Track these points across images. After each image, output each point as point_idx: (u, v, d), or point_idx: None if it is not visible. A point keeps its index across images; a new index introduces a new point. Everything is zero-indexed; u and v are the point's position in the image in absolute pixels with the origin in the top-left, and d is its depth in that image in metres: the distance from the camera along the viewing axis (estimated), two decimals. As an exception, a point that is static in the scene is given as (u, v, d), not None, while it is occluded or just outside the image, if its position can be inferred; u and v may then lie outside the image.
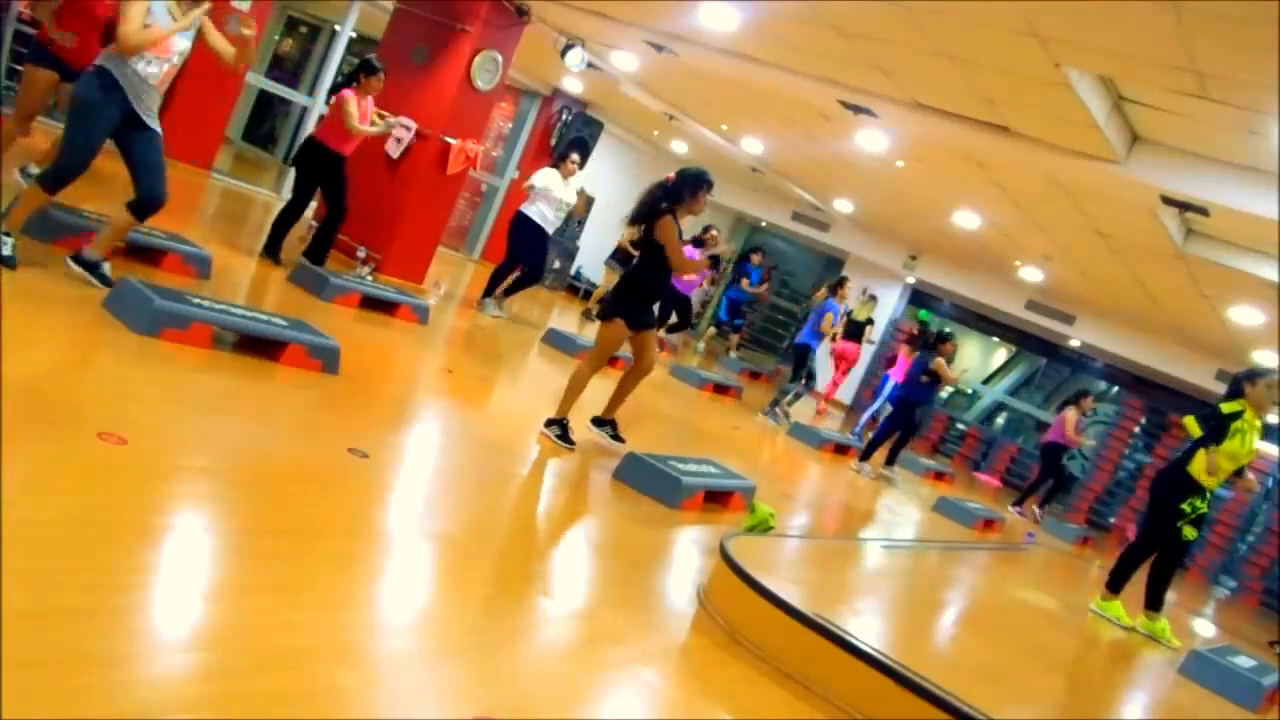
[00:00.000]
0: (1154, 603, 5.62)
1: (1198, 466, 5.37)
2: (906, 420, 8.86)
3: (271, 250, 6.91)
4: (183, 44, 4.41)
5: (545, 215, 8.66)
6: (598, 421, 5.38)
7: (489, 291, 8.88)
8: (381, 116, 7.25)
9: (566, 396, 5.07)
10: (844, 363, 12.70)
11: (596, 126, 13.70)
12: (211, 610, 2.25)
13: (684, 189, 4.88)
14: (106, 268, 4.51)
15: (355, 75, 6.90)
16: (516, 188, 13.55)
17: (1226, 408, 5.39)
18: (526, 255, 8.72)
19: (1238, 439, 5.34)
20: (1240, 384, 5.48)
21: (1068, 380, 17.43)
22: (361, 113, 6.85)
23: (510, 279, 8.87)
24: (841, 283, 10.12)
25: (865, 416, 11.31)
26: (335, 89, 7.18)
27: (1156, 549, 5.60)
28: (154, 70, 4.33)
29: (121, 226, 4.54)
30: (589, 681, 2.69)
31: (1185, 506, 5.38)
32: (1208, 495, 5.44)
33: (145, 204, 4.43)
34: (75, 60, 5.30)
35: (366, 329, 6.18)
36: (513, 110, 13.81)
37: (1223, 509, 13.11)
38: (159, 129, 4.46)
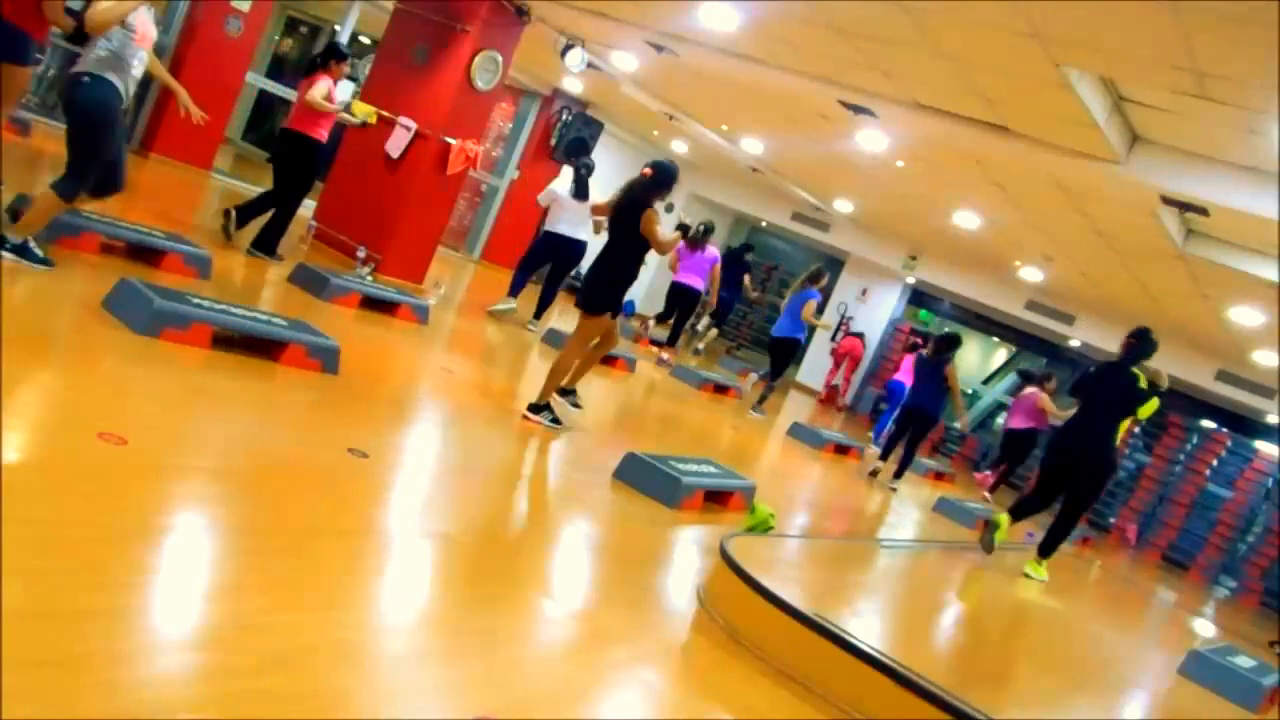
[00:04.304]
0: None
1: None
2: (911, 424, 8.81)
3: (229, 228, 6.70)
4: (152, 32, 4.48)
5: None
6: (562, 391, 5.45)
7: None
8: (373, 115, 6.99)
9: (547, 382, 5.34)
10: (850, 360, 11.92)
11: (596, 126, 13.69)
12: (211, 610, 2.25)
13: (661, 184, 5.30)
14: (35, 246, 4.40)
15: (326, 59, 6.76)
16: (516, 188, 13.54)
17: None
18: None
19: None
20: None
21: (1067, 381, 17.41)
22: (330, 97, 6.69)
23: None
24: (819, 273, 9.53)
25: (883, 424, 10.79)
26: (306, 72, 6.94)
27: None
28: (140, 72, 4.47)
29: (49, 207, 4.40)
30: (589, 681, 2.68)
31: None
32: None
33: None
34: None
35: (366, 329, 6.18)
36: (513, 110, 13.81)
37: (1223, 509, 13.10)
38: None
